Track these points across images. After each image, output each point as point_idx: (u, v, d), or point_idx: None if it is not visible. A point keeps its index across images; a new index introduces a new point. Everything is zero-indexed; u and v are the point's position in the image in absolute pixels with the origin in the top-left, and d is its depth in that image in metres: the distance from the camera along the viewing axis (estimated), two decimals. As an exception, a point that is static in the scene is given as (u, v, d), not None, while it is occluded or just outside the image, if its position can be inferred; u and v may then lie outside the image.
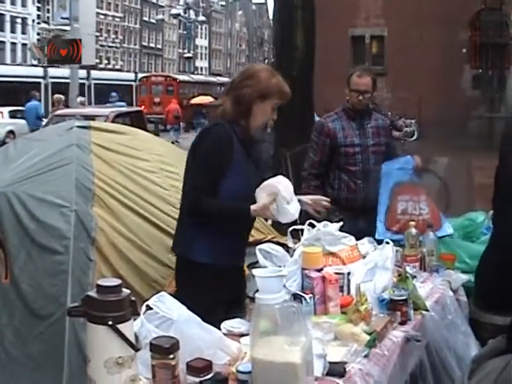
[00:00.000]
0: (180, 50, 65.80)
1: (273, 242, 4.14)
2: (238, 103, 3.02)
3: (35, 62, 43.19)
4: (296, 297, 2.72)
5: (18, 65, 39.55)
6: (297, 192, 3.09)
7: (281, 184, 2.89)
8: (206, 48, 69.74)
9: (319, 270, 2.81)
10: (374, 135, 4.49)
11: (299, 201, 3.06)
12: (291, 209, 2.87)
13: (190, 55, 65.92)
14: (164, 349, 2.17)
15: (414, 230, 3.58)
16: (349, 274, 2.89)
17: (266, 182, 2.91)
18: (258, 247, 3.16)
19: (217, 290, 3.00)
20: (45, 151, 3.65)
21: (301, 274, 2.84)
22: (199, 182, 2.99)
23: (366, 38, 21.97)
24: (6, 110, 24.29)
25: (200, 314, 2.34)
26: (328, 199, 3.46)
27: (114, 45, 56.27)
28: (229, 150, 3.00)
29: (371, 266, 3.00)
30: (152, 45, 62.22)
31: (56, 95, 18.38)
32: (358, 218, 4.33)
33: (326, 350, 2.32)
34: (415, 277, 3.37)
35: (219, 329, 2.54)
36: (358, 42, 21.95)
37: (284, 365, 2.07)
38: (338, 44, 20.06)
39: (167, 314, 2.33)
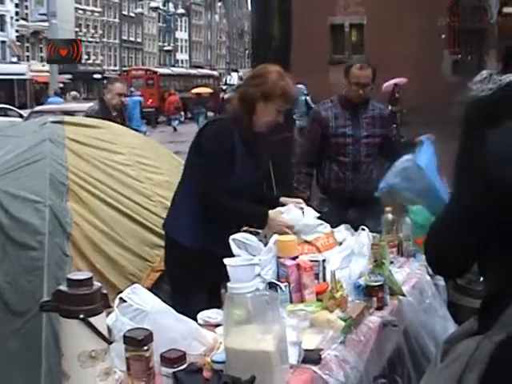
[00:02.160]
0: (160, 43, 65.46)
1: (249, 232, 4.17)
2: (243, 100, 3.09)
3: (14, 59, 42.91)
4: (271, 285, 2.72)
5: None
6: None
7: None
8: (186, 40, 69.42)
9: (294, 258, 2.81)
10: (368, 126, 4.38)
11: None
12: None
13: (170, 48, 65.61)
14: (137, 341, 2.16)
15: (390, 216, 3.59)
16: (324, 261, 2.89)
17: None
18: (232, 237, 3.17)
19: (202, 275, 3.03)
20: (18, 147, 3.62)
21: (276, 262, 2.84)
22: (213, 181, 3.02)
23: (346, 26, 21.97)
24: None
25: (183, 297, 2.34)
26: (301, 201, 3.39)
27: (93, 40, 55.90)
28: (230, 144, 3.04)
29: (347, 252, 3.01)
30: (132, 39, 61.86)
31: (72, 92, 18.52)
32: (348, 209, 4.31)
33: (300, 337, 2.32)
34: (392, 262, 3.38)
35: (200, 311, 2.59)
36: (338, 31, 21.95)
37: (257, 353, 2.06)
38: (318, 32, 20.05)
39: (141, 306, 2.32)
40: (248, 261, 2.14)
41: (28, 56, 47.25)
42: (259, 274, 2.75)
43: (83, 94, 45.70)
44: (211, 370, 2.21)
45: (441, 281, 3.57)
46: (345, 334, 2.47)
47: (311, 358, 2.30)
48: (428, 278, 3.38)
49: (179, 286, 3.03)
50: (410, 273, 3.30)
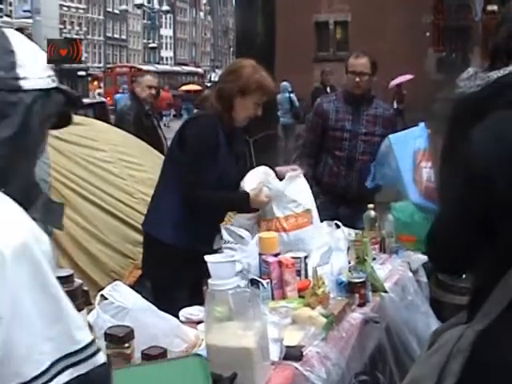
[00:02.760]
0: (145, 41, 65.22)
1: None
2: (220, 97, 3.08)
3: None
4: (253, 282, 2.72)
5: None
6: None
7: (268, 176, 2.98)
8: (170, 38, 69.19)
9: (276, 255, 2.81)
10: (368, 123, 4.34)
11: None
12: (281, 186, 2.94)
13: (154, 45, 65.39)
14: (118, 338, 2.16)
15: (372, 213, 3.60)
16: (306, 257, 2.89)
17: (252, 172, 3.02)
18: (224, 226, 3.18)
19: (183, 273, 3.03)
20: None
21: (258, 259, 2.84)
22: (194, 177, 3.02)
23: (330, 23, 21.99)
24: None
25: (164, 295, 2.33)
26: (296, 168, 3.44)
27: (78, 37, 55.43)
28: (215, 141, 3.05)
29: (325, 249, 3.01)
30: (116, 36, 61.57)
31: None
32: (339, 205, 4.29)
33: (282, 334, 2.32)
34: (374, 258, 3.39)
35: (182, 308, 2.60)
36: (322, 28, 21.96)
37: (238, 350, 2.06)
38: (302, 30, 20.05)
39: (122, 303, 2.32)
40: (229, 257, 2.13)
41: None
42: (241, 271, 2.76)
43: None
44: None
45: (423, 277, 3.58)
46: (326, 330, 2.47)
47: (293, 354, 2.30)
48: (410, 274, 3.40)
49: (160, 284, 3.02)
50: (392, 269, 3.31)
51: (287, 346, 2.31)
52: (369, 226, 3.58)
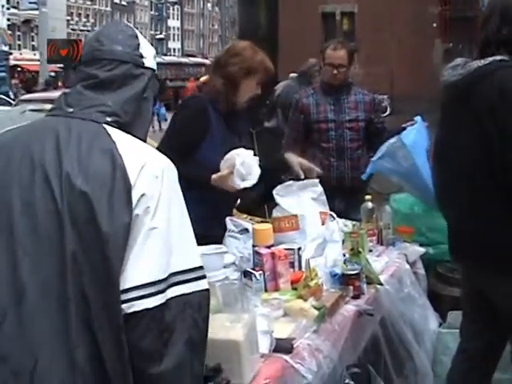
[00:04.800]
0: (152, 32, 65.11)
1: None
2: (228, 81, 3.11)
3: (6, 48, 42.63)
4: (246, 274, 2.70)
5: None
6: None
7: (239, 157, 2.87)
8: (178, 29, 69.11)
9: (269, 247, 2.79)
10: (350, 110, 4.31)
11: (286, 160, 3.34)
12: (246, 184, 2.85)
13: (161, 36, 65.30)
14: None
15: (370, 204, 3.57)
16: (299, 249, 2.87)
17: (229, 154, 2.92)
18: (229, 218, 3.16)
19: None
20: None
21: (252, 250, 2.82)
22: (166, 152, 2.99)
23: (337, 14, 21.87)
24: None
25: None
26: (319, 170, 3.49)
27: (85, 28, 55.51)
28: (203, 123, 3.08)
29: (320, 241, 2.99)
30: (124, 27, 61.49)
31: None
32: (334, 198, 4.23)
33: (272, 326, 2.30)
34: (371, 250, 3.37)
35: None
36: (329, 19, 21.85)
37: (226, 342, 2.04)
38: (309, 21, 19.95)
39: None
40: (217, 249, 2.11)
41: (19, 45, 46.97)
42: (234, 263, 2.74)
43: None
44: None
45: (421, 269, 3.57)
46: (318, 322, 2.45)
47: (283, 346, 2.28)
48: (407, 266, 3.37)
49: None
50: (389, 261, 3.28)
51: (277, 339, 2.29)
52: (366, 218, 3.56)
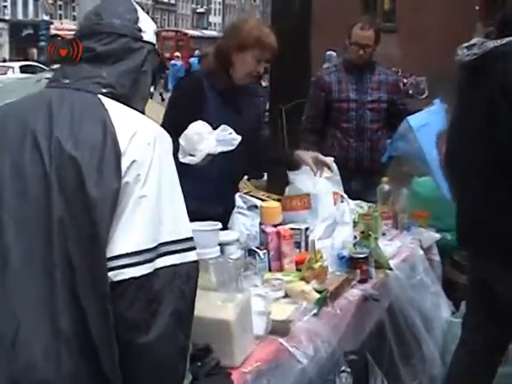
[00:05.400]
0: (193, 6, 64.97)
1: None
2: (219, 54, 3.02)
3: (47, 18, 42.87)
4: (251, 252, 2.64)
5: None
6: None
7: (185, 131, 2.70)
8: (219, 3, 68.78)
9: (276, 226, 2.72)
10: (373, 90, 4.18)
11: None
12: (187, 160, 2.65)
13: (202, 10, 65.09)
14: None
15: (386, 186, 3.48)
16: (307, 229, 2.80)
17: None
18: (238, 194, 3.11)
19: None
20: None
21: (259, 228, 2.76)
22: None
23: (377, -7, 21.52)
24: (16, 65, 24.27)
25: None
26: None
27: (126, 0, 55.58)
28: (197, 101, 2.97)
29: (330, 222, 2.91)
30: (165, 0, 61.51)
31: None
32: (351, 179, 4.11)
33: (270, 307, 2.24)
34: (384, 234, 3.28)
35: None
36: (369, -2, 21.50)
37: (216, 321, 1.99)
38: (348, 1, 19.64)
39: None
40: (211, 226, 2.05)
41: (61, 14, 47.21)
42: (238, 240, 2.68)
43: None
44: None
45: (436, 256, 3.47)
46: (319, 306, 2.38)
47: (279, 329, 2.22)
48: (421, 252, 3.28)
49: None
50: (402, 246, 3.19)
51: (274, 320, 2.23)
52: (382, 200, 3.47)
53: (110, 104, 1.57)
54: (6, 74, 21.43)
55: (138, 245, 1.42)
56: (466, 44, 2.58)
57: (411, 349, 2.98)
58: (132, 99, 1.65)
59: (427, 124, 3.67)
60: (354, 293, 2.63)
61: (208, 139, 2.69)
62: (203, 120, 2.77)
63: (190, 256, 1.51)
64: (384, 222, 3.39)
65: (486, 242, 2.52)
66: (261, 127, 3.59)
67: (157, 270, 1.44)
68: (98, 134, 1.48)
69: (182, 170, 2.89)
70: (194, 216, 2.56)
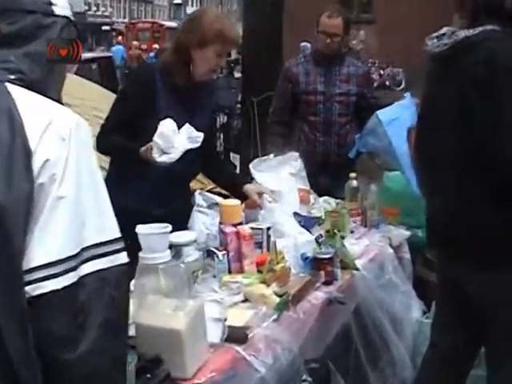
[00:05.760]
0: (170, -3, 64.53)
1: (212, 193, 3.94)
2: (177, 49, 2.83)
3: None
4: (209, 253, 2.52)
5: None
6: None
7: (159, 127, 2.58)
8: (197, -6, 68.39)
9: (237, 225, 2.59)
10: (342, 83, 4.04)
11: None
12: (165, 158, 2.57)
13: (179, 1, 64.57)
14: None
15: (354, 182, 3.36)
16: (269, 229, 2.66)
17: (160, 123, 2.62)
18: (198, 192, 2.99)
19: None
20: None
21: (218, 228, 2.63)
22: (106, 121, 2.88)
23: (354, -16, 21.38)
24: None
25: None
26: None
27: (103, -10, 55.06)
28: (147, 95, 2.80)
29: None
30: (142, -9, 60.95)
31: None
32: (319, 175, 3.99)
33: (225, 313, 2.12)
34: (352, 232, 3.16)
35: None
36: (346, -12, 21.36)
37: (167, 331, 1.86)
38: (325, -9, 19.49)
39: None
40: (161, 229, 1.91)
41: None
42: (195, 241, 2.55)
43: (92, 45, 45.25)
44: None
45: (406, 254, 3.37)
46: (279, 310, 2.26)
47: (236, 336, 2.10)
48: (390, 250, 3.17)
49: None
50: (370, 245, 3.07)
51: (231, 327, 2.10)
52: (350, 197, 3.35)
53: (18, 92, 1.37)
54: None
55: (59, 253, 1.27)
56: (435, 34, 2.46)
57: (379, 352, 2.87)
58: (46, 86, 1.45)
59: (397, 118, 3.56)
60: (318, 296, 2.52)
61: (180, 136, 2.58)
62: (153, 117, 2.65)
63: (120, 258, 1.36)
64: (352, 220, 3.28)
65: (458, 238, 2.40)
66: (213, 133, 3.39)
67: (82, 278, 1.29)
68: (4, 131, 1.29)
69: (124, 168, 2.81)
70: (135, 216, 2.45)
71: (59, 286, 1.27)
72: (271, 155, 3.26)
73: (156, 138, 2.54)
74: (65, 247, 1.28)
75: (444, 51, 2.41)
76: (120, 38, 42.68)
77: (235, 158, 8.47)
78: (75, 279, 1.28)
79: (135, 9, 60.35)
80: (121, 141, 2.81)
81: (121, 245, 1.36)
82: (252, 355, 2.06)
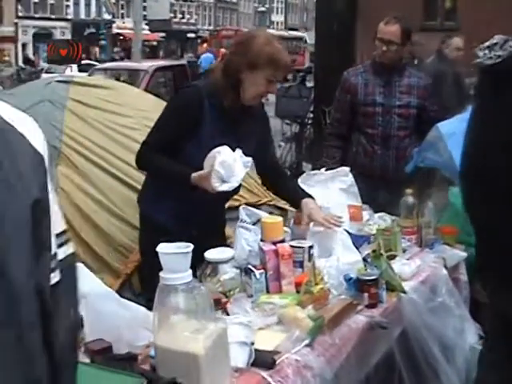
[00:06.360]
0: (255, 4, 64.84)
1: (269, 206, 3.88)
2: (227, 71, 2.73)
3: (109, 17, 43.50)
4: (247, 271, 2.45)
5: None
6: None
7: (220, 155, 2.51)
8: (282, 2, 68.53)
9: (278, 242, 2.51)
10: (402, 95, 3.90)
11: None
12: (225, 187, 2.51)
13: (263, 9, 64.93)
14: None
15: (410, 199, 3.20)
16: (311, 247, 2.56)
17: (211, 152, 2.56)
18: (243, 207, 2.94)
19: None
20: (16, 107, 3.45)
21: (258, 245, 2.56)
22: (149, 137, 2.81)
23: (439, -10, 20.91)
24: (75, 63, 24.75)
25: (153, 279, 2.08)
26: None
27: (187, -4, 55.97)
28: (192, 118, 2.71)
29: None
30: (227, -1, 61.65)
31: None
32: (379, 190, 3.87)
33: (252, 336, 2.04)
34: (405, 251, 3.03)
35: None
36: (430, -5, 20.90)
37: (184, 354, 1.81)
38: (408, -2, 19.13)
39: (78, 288, 2.09)
40: (182, 248, 1.86)
41: (123, 13, 47.77)
42: (232, 258, 2.49)
43: (177, 52, 46.14)
44: (150, 364, 1.98)
45: (463, 275, 3.19)
46: (312, 335, 2.16)
47: (263, 360, 2.02)
48: (444, 272, 3.00)
49: (149, 267, 2.74)
50: (422, 265, 2.91)
51: (259, 351, 2.03)
52: (405, 214, 3.20)
53: None
54: (64, 72, 21.79)
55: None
56: (486, 43, 2.30)
57: (427, 381, 2.72)
58: None
59: (459, 131, 3.39)
60: (359, 320, 2.39)
61: (238, 163, 2.54)
62: (199, 141, 2.61)
63: (64, 251, 1.23)
64: (407, 238, 3.14)
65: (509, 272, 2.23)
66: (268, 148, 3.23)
67: None
68: None
69: (162, 186, 2.77)
70: (171, 234, 2.35)
71: None
72: (322, 169, 3.17)
73: (217, 167, 2.48)
74: None
75: (498, 64, 2.25)
76: (205, 45, 43.40)
77: (307, 168, 8.38)
78: None
79: (220, 16, 61.11)
80: (169, 163, 2.74)
81: (67, 237, 1.26)
82: (279, 381, 1.98)
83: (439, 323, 2.82)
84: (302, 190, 2.96)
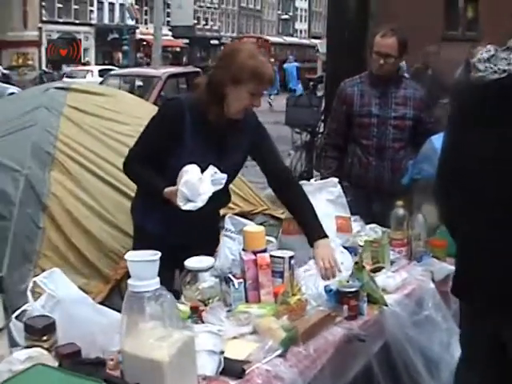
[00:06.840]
0: (279, 12, 64.99)
1: (264, 215, 3.89)
2: (210, 85, 2.72)
3: (132, 23, 43.82)
4: (227, 280, 2.46)
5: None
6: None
7: (186, 175, 2.53)
8: (305, 10, 68.60)
9: (258, 252, 2.52)
10: (398, 106, 3.89)
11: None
12: (189, 206, 2.52)
13: (287, 17, 65.01)
14: (36, 330, 2.01)
15: (401, 211, 3.19)
16: (291, 258, 2.57)
17: (184, 168, 2.56)
18: (229, 215, 2.95)
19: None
20: (14, 113, 3.52)
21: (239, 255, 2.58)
22: (134, 146, 2.85)
23: (460, 1, 20.81)
24: (96, 68, 24.95)
25: None
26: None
27: (212, 6, 56.13)
28: (173, 129, 2.71)
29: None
30: (251, 6, 61.69)
31: None
32: (372, 201, 3.89)
33: (221, 345, 2.05)
34: (393, 263, 3.02)
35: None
36: (452, 5, 20.81)
37: (148, 362, 1.83)
38: (430, 6, 19.07)
39: (52, 292, 2.13)
40: (149, 256, 1.87)
41: (146, 19, 48.11)
42: (212, 267, 2.51)
43: (200, 59, 46.37)
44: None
45: (452, 288, 3.16)
46: (285, 346, 2.17)
47: (232, 369, 2.03)
48: (432, 285, 2.98)
49: None
50: (408, 278, 2.91)
51: (228, 359, 2.04)
52: (395, 226, 3.19)
53: None
54: (85, 77, 22.01)
55: None
56: (482, 55, 2.23)
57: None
58: None
59: None
60: (336, 331, 2.39)
61: (205, 182, 2.53)
62: (180, 155, 2.64)
63: None
64: (397, 250, 3.14)
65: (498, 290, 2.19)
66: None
67: None
68: None
69: (150, 196, 2.79)
70: (160, 242, 2.40)
71: None
72: (312, 180, 3.17)
73: (181, 187, 2.50)
74: None
75: (504, 79, 2.18)
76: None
77: (317, 176, 8.38)
78: None
79: (244, 23, 61.30)
80: (148, 175, 2.76)
81: None
82: (247, 391, 1.99)
83: (424, 337, 2.81)
84: (318, 220, 2.84)
